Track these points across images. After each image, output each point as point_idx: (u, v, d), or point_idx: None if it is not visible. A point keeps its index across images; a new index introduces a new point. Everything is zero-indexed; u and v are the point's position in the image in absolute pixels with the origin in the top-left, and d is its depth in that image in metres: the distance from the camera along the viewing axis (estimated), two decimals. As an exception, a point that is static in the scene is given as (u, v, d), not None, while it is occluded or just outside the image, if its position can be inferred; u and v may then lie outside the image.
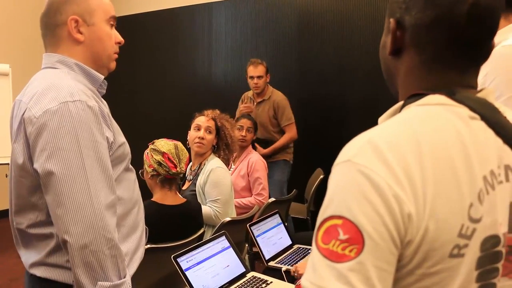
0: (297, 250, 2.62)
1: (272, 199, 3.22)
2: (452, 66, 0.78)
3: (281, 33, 4.89)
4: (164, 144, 2.26)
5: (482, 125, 0.73)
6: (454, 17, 0.74)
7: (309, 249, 2.62)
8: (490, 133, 0.73)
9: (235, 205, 3.17)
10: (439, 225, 0.68)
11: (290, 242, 2.68)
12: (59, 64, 1.40)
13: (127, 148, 1.48)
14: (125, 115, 6.44)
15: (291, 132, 4.24)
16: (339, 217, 0.69)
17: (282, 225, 2.71)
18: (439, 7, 0.75)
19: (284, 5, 4.85)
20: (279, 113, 4.23)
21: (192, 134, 2.97)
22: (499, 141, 0.73)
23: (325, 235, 0.69)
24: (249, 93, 4.46)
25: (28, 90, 1.35)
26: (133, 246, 1.47)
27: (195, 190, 2.89)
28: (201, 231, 2.41)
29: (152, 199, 2.27)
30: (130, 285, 1.35)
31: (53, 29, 1.41)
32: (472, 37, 0.76)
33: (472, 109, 0.74)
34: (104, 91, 1.52)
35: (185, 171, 2.33)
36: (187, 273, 1.89)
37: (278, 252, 2.54)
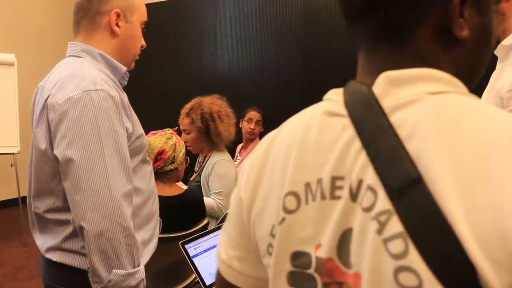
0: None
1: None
2: (373, 52, 0.62)
3: (286, 24, 4.87)
4: (153, 142, 2.22)
5: (343, 123, 0.58)
6: None
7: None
8: (345, 131, 0.58)
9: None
10: (256, 219, 0.67)
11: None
12: (83, 53, 1.43)
13: (145, 140, 1.51)
14: (131, 103, 6.45)
15: None
16: None
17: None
18: None
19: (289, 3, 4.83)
20: None
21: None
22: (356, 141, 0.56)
23: None
24: None
25: (51, 77, 1.37)
26: (147, 236, 1.50)
27: (200, 182, 2.89)
28: (206, 221, 2.41)
29: None
30: (144, 274, 1.37)
31: (93, 16, 1.44)
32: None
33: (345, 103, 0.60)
34: (126, 83, 1.54)
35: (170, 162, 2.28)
36: (194, 260, 1.89)
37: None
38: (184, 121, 2.87)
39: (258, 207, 0.67)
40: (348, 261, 0.55)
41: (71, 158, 1.24)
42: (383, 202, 0.51)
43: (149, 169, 1.55)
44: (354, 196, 0.55)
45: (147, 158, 1.55)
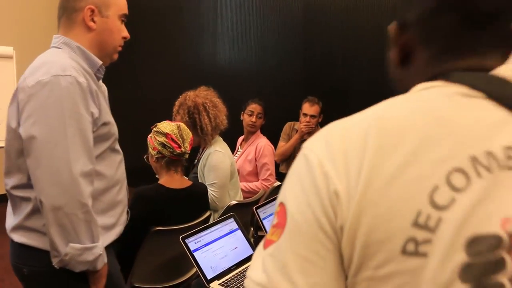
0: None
1: (278, 183, 3.21)
2: (465, 53, 0.65)
3: (287, 17, 4.85)
4: (166, 126, 2.24)
5: (483, 102, 0.59)
6: None
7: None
8: (495, 110, 0.58)
9: (241, 189, 3.16)
10: (380, 210, 0.55)
11: (296, 225, 2.67)
12: (63, 45, 1.53)
13: (113, 129, 1.58)
14: (129, 99, 6.43)
15: None
16: (278, 204, 0.64)
17: (289, 208, 2.70)
18: None
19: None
20: None
21: None
22: (510, 119, 0.57)
23: (270, 229, 0.65)
24: (296, 125, 4.31)
25: (31, 65, 1.47)
26: (109, 222, 1.57)
27: (197, 173, 2.89)
28: (207, 214, 2.41)
29: (159, 182, 2.26)
30: (104, 251, 1.45)
31: (70, 13, 1.54)
32: (488, 9, 0.63)
33: (471, 86, 0.60)
34: (102, 76, 1.62)
35: (189, 151, 2.29)
36: (195, 254, 1.89)
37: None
38: (177, 119, 2.88)
39: (376, 197, 0.56)
40: None
41: (34, 135, 1.34)
42: None
43: (117, 158, 1.63)
44: None
45: (117, 148, 1.64)
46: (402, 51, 0.72)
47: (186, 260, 2.35)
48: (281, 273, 0.58)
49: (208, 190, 2.64)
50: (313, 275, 0.57)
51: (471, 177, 0.54)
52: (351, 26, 4.39)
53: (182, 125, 2.28)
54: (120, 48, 1.65)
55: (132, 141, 6.42)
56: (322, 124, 4.36)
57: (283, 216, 0.61)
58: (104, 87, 1.71)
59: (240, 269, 2.01)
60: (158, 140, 2.20)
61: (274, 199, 2.64)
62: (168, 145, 2.18)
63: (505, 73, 0.60)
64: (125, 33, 1.63)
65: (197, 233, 1.96)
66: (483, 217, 0.52)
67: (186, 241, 1.90)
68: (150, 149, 2.27)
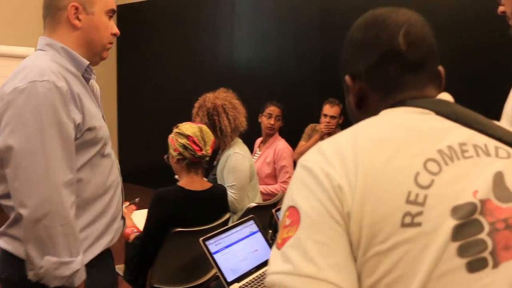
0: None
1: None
2: (408, 89, 0.87)
3: (303, 20, 4.83)
4: (188, 127, 2.24)
5: (434, 116, 0.80)
6: (395, 49, 0.86)
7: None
8: (444, 121, 0.80)
9: (260, 191, 3.16)
10: (379, 195, 0.70)
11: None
12: (47, 47, 1.47)
13: (101, 133, 1.48)
14: (148, 100, 6.49)
15: None
16: (287, 209, 0.76)
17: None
18: (379, 47, 0.87)
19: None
20: None
21: None
22: (458, 126, 0.79)
23: (281, 231, 0.76)
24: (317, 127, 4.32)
25: (14, 70, 1.42)
26: (98, 231, 1.49)
27: (216, 175, 2.89)
28: (227, 216, 2.41)
29: (178, 184, 2.27)
30: (82, 267, 1.37)
31: (54, 12, 1.47)
32: (415, 59, 0.86)
33: (423, 107, 0.82)
34: (90, 77, 1.54)
35: (211, 154, 2.30)
36: (215, 256, 1.89)
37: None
38: (196, 120, 2.89)
39: (373, 185, 0.71)
40: (507, 196, 0.70)
41: (11, 145, 1.28)
42: None
43: (108, 164, 1.54)
44: (486, 153, 0.74)
45: (108, 153, 1.54)
46: (357, 96, 0.92)
47: (205, 261, 2.35)
48: (304, 258, 0.69)
49: (228, 192, 2.65)
50: (331, 256, 0.69)
51: (441, 164, 0.73)
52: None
53: (204, 128, 2.29)
54: (110, 46, 1.57)
55: (150, 141, 6.49)
56: (342, 126, 4.35)
57: (295, 215, 0.74)
58: (96, 87, 1.64)
59: (260, 271, 2.01)
60: (180, 142, 2.20)
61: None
62: (190, 148, 2.18)
63: (445, 97, 0.86)
64: (115, 30, 1.56)
65: (218, 235, 1.97)
66: (458, 191, 0.70)
67: (207, 243, 1.90)
68: (171, 150, 2.28)
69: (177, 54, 6.06)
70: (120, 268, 2.58)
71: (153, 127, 6.45)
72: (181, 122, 2.34)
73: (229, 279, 1.88)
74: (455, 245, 0.67)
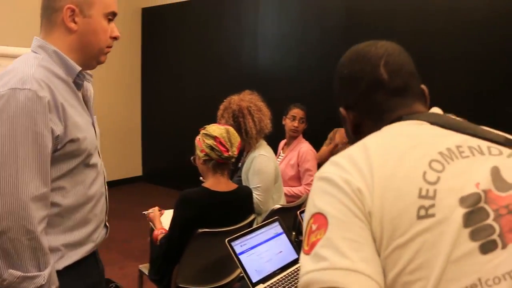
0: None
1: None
2: (398, 109, 0.98)
3: (327, 22, 4.82)
4: (215, 129, 2.27)
5: (430, 126, 0.92)
6: (378, 79, 0.99)
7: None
8: (439, 129, 0.91)
9: (284, 193, 3.17)
10: (394, 193, 0.78)
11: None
12: (39, 49, 1.41)
13: (85, 144, 1.43)
14: (174, 103, 6.54)
15: None
16: (310, 216, 0.84)
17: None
18: (364, 79, 1.00)
19: (333, -7, 4.78)
20: None
21: None
22: (452, 132, 0.89)
23: (306, 238, 0.83)
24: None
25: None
26: (76, 240, 1.46)
27: (241, 176, 2.91)
28: (252, 217, 2.42)
29: (204, 185, 2.29)
30: (49, 281, 1.32)
31: (50, 14, 1.42)
32: (398, 84, 0.99)
33: (418, 119, 0.94)
34: (82, 82, 1.49)
35: (237, 156, 2.32)
36: (240, 257, 1.90)
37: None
38: (221, 122, 2.91)
39: (388, 185, 0.79)
40: (505, 186, 0.79)
41: None
42: (506, 149, 0.86)
43: (92, 174, 1.50)
44: (480, 152, 0.84)
45: (93, 163, 1.50)
46: (353, 124, 1.05)
47: (229, 262, 2.37)
48: (338, 254, 0.76)
49: (253, 193, 2.66)
50: (361, 251, 0.77)
51: (444, 163, 0.82)
52: (392, 30, 4.33)
53: (231, 129, 2.31)
54: (108, 50, 1.50)
55: (175, 143, 6.55)
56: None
57: (321, 220, 0.81)
58: (91, 91, 1.59)
59: (285, 273, 2.01)
60: (207, 143, 2.23)
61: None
62: (216, 148, 2.21)
63: (435, 111, 0.99)
64: (115, 33, 1.49)
65: (243, 236, 1.98)
66: (462, 184, 0.79)
67: (232, 244, 1.91)
68: (197, 151, 2.30)
69: (202, 56, 6.11)
70: (145, 268, 2.62)
71: (177, 128, 6.51)
72: (204, 124, 2.37)
73: (254, 280, 1.89)
74: (467, 230, 0.75)
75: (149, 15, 6.80)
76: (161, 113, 6.77)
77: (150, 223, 2.66)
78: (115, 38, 1.50)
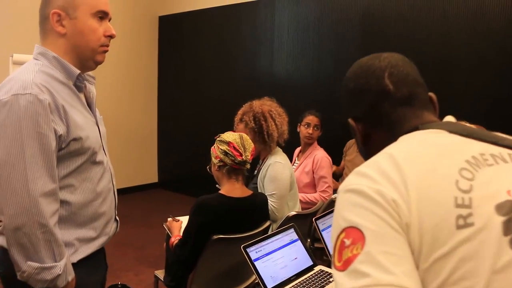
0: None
1: (336, 195, 3.18)
2: (409, 119, 0.99)
3: (344, 30, 4.82)
4: (229, 135, 2.30)
5: (448, 134, 0.91)
6: (384, 90, 1.00)
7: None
8: (459, 137, 0.90)
9: (300, 200, 3.16)
10: (431, 203, 0.77)
11: (355, 238, 2.64)
12: (40, 56, 1.50)
13: (88, 142, 1.50)
14: (188, 108, 6.59)
15: None
16: (341, 231, 0.80)
17: (347, 220, 2.67)
18: (370, 91, 1.02)
19: (348, 4, 4.77)
20: None
21: None
22: (471, 140, 0.88)
23: (338, 254, 0.79)
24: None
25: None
26: (89, 234, 1.56)
27: (257, 183, 2.91)
28: (268, 223, 2.42)
29: (220, 192, 2.30)
30: (66, 270, 1.42)
31: (42, 21, 1.51)
32: (404, 94, 1.00)
33: (436, 128, 0.93)
34: (83, 84, 1.56)
35: (251, 161, 2.33)
36: (256, 263, 1.91)
37: (343, 248, 2.50)
38: (239, 127, 2.92)
39: (423, 195, 0.78)
40: None
41: None
42: None
43: (99, 171, 1.58)
44: (503, 160, 0.84)
45: (99, 160, 1.58)
46: (362, 135, 1.06)
47: (245, 268, 2.38)
48: (380, 270, 0.73)
49: (268, 201, 2.67)
50: (402, 264, 0.74)
51: (472, 171, 0.81)
52: (409, 36, 4.32)
53: (245, 135, 2.33)
54: (103, 49, 1.54)
55: (191, 150, 6.58)
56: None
57: (355, 234, 0.78)
58: (93, 93, 1.66)
59: (300, 279, 2.01)
60: (221, 149, 2.25)
61: (333, 211, 2.61)
62: (230, 153, 2.23)
63: (449, 119, 0.98)
64: (109, 31, 1.53)
65: (258, 242, 1.98)
66: (494, 191, 0.78)
67: (248, 250, 1.92)
68: (212, 158, 2.33)
69: (218, 64, 6.15)
70: (161, 273, 2.64)
71: (193, 135, 6.55)
72: (221, 131, 2.40)
73: (269, 287, 1.89)
74: (507, 239, 0.73)
75: (166, 23, 6.87)
76: (177, 120, 6.81)
77: (167, 230, 2.68)
78: (109, 36, 1.55)
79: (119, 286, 3.01)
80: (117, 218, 1.74)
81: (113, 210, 1.69)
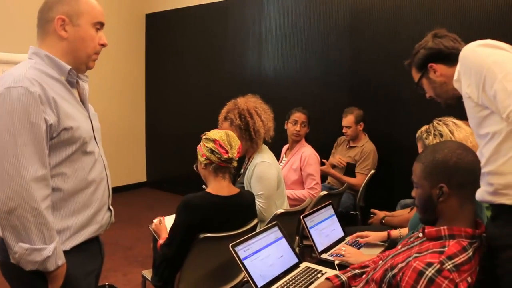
0: (351, 242, 2.59)
1: (324, 192, 3.18)
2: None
3: (332, 26, 4.83)
4: (215, 133, 2.29)
5: None
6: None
7: (362, 242, 2.59)
8: None
9: (287, 196, 3.16)
10: None
11: (342, 234, 2.65)
12: (33, 55, 1.61)
13: (79, 132, 1.59)
14: (176, 107, 6.56)
15: (359, 180, 4.12)
16: None
17: (335, 217, 2.68)
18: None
19: (335, -3, 4.79)
20: (361, 159, 4.18)
21: None
22: None
23: None
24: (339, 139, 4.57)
25: None
26: (81, 221, 1.63)
27: (244, 183, 2.89)
28: (255, 221, 2.41)
29: (206, 190, 2.29)
30: (56, 254, 1.48)
31: (43, 24, 1.62)
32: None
33: None
34: (74, 80, 1.66)
35: (237, 159, 2.31)
36: (245, 262, 1.90)
37: (331, 244, 2.51)
38: (223, 126, 2.89)
39: None
40: None
41: None
42: None
43: (90, 160, 1.66)
44: None
45: (90, 150, 1.66)
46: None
47: (232, 267, 2.37)
48: None
49: (256, 201, 2.65)
50: None
51: None
52: (399, 34, 4.33)
53: (231, 133, 2.31)
54: (95, 56, 1.69)
55: (178, 149, 6.56)
56: (368, 131, 4.33)
57: None
58: (86, 89, 1.75)
59: (288, 277, 2.01)
60: (207, 147, 2.24)
61: (321, 208, 2.62)
62: (216, 151, 2.21)
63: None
64: (103, 40, 1.68)
65: (246, 241, 1.98)
66: None
67: (236, 249, 1.91)
68: (199, 157, 2.31)
69: (205, 62, 6.13)
70: (148, 273, 2.62)
71: (182, 134, 6.53)
72: (208, 129, 2.38)
73: (260, 285, 1.89)
74: None
75: (152, 21, 6.83)
76: (166, 119, 6.78)
77: (153, 232, 2.67)
78: (103, 45, 1.69)
79: (106, 286, 2.99)
80: (110, 207, 1.79)
81: (106, 199, 1.75)
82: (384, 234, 2.51)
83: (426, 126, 2.10)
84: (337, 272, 1.97)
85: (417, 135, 2.12)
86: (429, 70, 1.90)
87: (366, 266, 1.87)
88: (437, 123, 2.06)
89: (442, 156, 1.47)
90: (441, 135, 2.00)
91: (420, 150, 2.07)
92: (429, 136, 2.03)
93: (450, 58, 1.84)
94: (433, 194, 1.48)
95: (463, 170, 1.45)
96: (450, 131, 1.99)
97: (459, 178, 1.46)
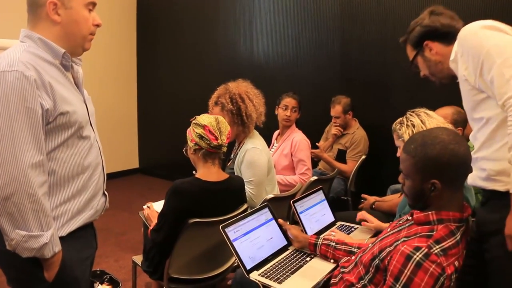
0: (340, 227, 2.60)
1: (315, 177, 3.19)
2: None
3: (323, 10, 4.81)
4: (205, 118, 2.26)
5: None
6: None
7: (352, 226, 2.60)
8: None
9: (278, 182, 3.16)
10: None
11: (333, 219, 2.67)
12: (26, 38, 1.58)
13: (75, 117, 1.57)
14: (168, 92, 6.53)
15: (350, 167, 4.14)
16: None
17: (325, 202, 2.68)
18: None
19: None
20: (352, 146, 4.19)
21: None
22: None
23: None
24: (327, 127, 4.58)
25: None
26: (77, 206, 1.62)
27: (234, 169, 2.90)
28: (245, 206, 2.41)
29: (195, 176, 2.29)
30: (53, 241, 1.47)
31: (35, 9, 1.58)
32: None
33: None
34: (69, 63, 1.63)
35: (227, 144, 2.31)
36: (234, 243, 1.91)
37: (321, 229, 2.52)
38: (214, 111, 2.87)
39: None
40: None
41: None
42: None
43: (86, 145, 1.65)
44: None
45: (86, 135, 1.64)
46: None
47: (222, 252, 2.38)
48: None
49: (246, 187, 2.64)
50: None
51: None
52: (390, 21, 4.33)
53: (221, 118, 2.30)
54: (91, 37, 1.66)
55: (170, 134, 6.55)
56: (359, 117, 4.34)
57: None
58: (80, 73, 1.73)
59: (277, 259, 2.02)
60: (196, 132, 2.22)
61: (311, 193, 2.63)
62: (205, 137, 2.20)
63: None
64: (97, 21, 1.65)
65: (236, 222, 1.98)
66: None
67: (226, 230, 1.92)
68: (188, 141, 2.30)
69: (197, 48, 6.09)
70: (138, 258, 2.63)
71: (174, 120, 6.51)
72: (198, 115, 2.36)
73: (248, 267, 1.90)
74: None
75: (144, 5, 6.77)
76: (157, 105, 6.76)
77: (144, 219, 2.67)
78: (97, 25, 1.66)
79: (98, 272, 3.00)
80: (105, 192, 1.79)
81: (102, 184, 1.75)
82: (386, 226, 2.53)
83: (400, 118, 2.12)
84: (326, 259, 2.02)
85: (392, 127, 2.12)
86: (425, 48, 1.87)
87: (346, 244, 1.99)
88: (410, 114, 2.06)
89: (435, 153, 1.44)
90: (413, 126, 2.00)
91: (396, 141, 2.08)
92: (402, 127, 2.04)
93: (447, 36, 1.80)
94: (424, 188, 1.47)
95: (456, 165, 1.44)
96: (421, 121, 2.00)
97: (452, 173, 1.45)
